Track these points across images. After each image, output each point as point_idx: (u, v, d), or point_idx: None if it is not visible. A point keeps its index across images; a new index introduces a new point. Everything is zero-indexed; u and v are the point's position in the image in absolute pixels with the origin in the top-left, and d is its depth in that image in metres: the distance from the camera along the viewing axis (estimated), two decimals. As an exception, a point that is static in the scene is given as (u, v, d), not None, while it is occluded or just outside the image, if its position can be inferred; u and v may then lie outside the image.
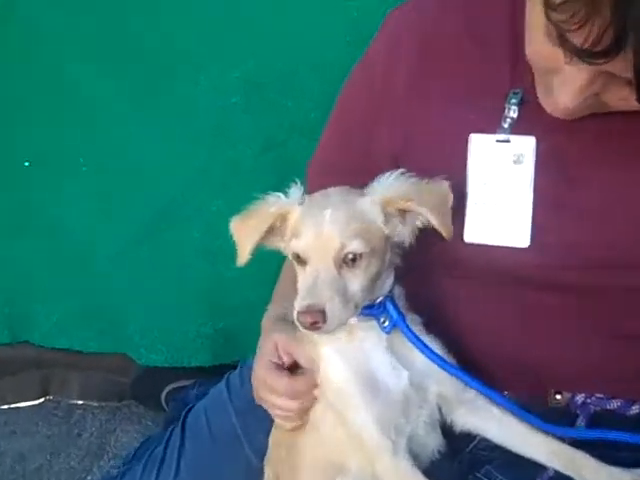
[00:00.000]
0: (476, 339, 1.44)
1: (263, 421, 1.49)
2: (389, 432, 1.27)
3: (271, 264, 1.54)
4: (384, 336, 1.32)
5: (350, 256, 1.21)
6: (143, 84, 2.08)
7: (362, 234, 1.22)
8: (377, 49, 1.55)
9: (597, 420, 1.39)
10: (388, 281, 1.32)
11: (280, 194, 1.33)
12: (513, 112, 1.34)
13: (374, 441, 1.27)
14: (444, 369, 1.32)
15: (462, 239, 1.38)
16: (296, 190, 1.33)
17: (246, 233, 1.29)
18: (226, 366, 2.29)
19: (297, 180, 1.34)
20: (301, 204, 1.29)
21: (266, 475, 1.50)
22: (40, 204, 2.22)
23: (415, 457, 1.29)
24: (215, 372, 2.25)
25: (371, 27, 1.59)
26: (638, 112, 1.19)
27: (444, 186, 1.29)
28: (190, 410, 1.78)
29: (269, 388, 1.39)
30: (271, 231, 1.30)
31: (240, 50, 2.02)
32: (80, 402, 2.46)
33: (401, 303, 1.34)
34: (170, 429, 1.78)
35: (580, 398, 1.42)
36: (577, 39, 1.07)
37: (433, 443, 1.36)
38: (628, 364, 1.39)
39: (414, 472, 1.26)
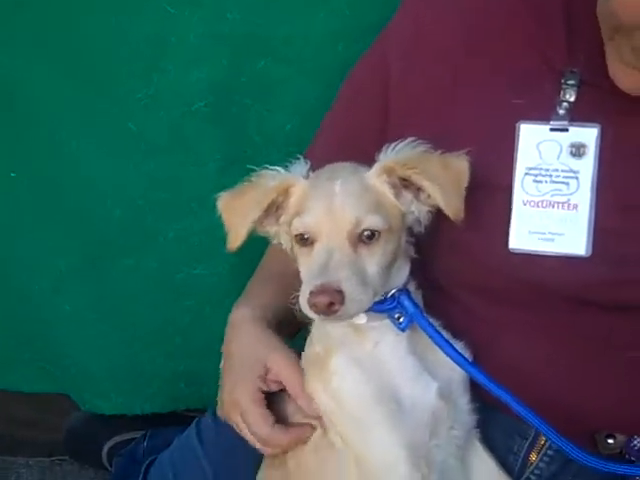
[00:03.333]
0: (516, 374, 1.23)
1: (244, 474, 1.33)
2: (419, 463, 1.12)
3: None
4: (402, 335, 1.17)
5: (367, 233, 1.10)
6: (87, 87, 1.78)
7: (378, 209, 1.12)
8: (398, 28, 1.35)
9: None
10: (403, 272, 1.20)
11: (279, 168, 1.19)
12: (570, 95, 1.19)
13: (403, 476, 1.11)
14: (469, 373, 1.17)
15: (506, 246, 1.21)
16: (300, 164, 1.20)
17: (242, 211, 1.15)
18: (181, 415, 2.05)
19: (300, 156, 1.20)
20: (306, 178, 1.17)
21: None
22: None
23: None
24: (169, 421, 2.02)
25: (364, 27, 1.45)
26: None
27: (461, 161, 1.14)
28: (151, 464, 1.60)
29: (246, 422, 1.24)
30: (269, 210, 1.17)
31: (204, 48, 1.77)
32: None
33: (419, 300, 1.21)
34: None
35: (639, 442, 1.28)
36: None
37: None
38: None
39: None
